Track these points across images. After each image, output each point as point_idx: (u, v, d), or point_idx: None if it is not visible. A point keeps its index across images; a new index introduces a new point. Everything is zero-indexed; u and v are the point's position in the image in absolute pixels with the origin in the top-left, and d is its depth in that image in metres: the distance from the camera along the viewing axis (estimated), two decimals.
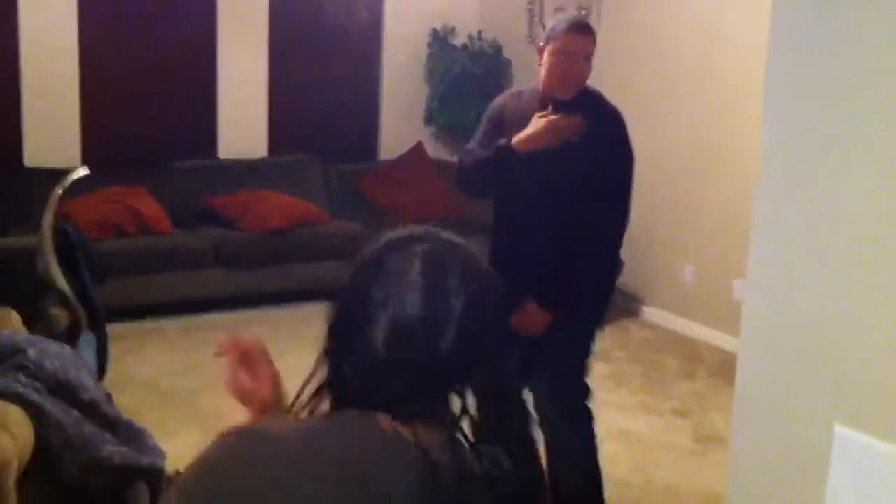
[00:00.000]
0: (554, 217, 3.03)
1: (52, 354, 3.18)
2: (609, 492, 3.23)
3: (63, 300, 3.71)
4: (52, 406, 3.01)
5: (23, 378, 3.05)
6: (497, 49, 7.04)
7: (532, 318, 2.99)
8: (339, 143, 6.86)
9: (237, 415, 1.48)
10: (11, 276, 3.80)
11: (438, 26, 7.03)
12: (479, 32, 7.05)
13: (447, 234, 1.38)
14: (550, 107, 3.00)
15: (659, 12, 5.83)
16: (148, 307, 5.31)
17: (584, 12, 6.02)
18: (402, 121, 7.11)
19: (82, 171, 3.85)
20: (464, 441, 1.31)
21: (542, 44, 3.05)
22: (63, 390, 3.10)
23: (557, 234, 3.02)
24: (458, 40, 7.07)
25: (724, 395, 4.76)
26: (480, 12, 7.15)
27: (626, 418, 4.39)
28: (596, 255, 3.04)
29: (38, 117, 5.86)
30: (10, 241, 4.06)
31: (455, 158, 7.16)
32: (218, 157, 6.45)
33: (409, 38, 7.05)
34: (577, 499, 3.19)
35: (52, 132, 5.91)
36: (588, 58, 3.02)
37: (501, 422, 2.39)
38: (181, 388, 4.37)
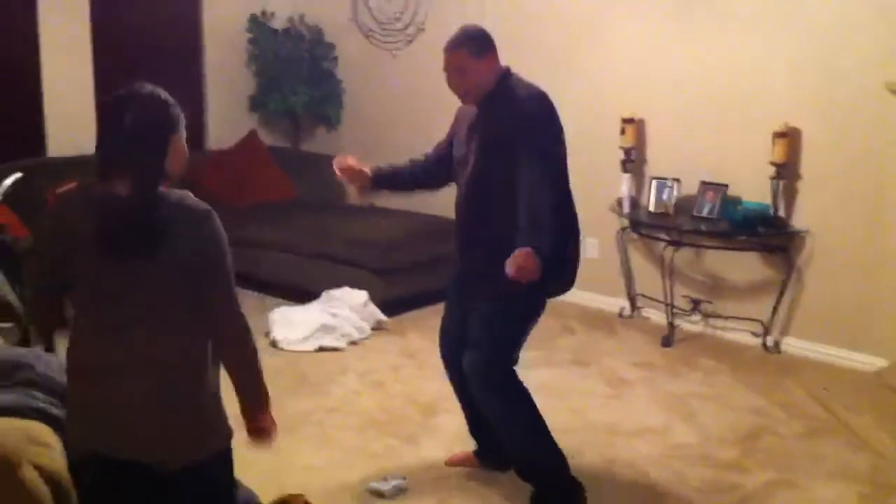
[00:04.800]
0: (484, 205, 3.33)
1: (55, 366, 3.04)
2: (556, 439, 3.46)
3: (9, 312, 3.50)
4: None
5: (38, 394, 2.92)
6: (318, 32, 7.11)
7: (522, 258, 3.07)
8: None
9: None
10: None
11: (257, 12, 7.00)
12: (302, 16, 7.08)
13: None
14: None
15: None
16: None
17: None
18: (227, 109, 7.04)
19: (16, 175, 3.60)
20: None
21: None
22: None
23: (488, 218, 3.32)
24: (278, 25, 7.08)
25: (605, 344, 5.27)
26: None
27: (537, 374, 4.73)
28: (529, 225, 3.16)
29: None
30: None
31: (285, 143, 7.24)
32: (48, 156, 6.11)
33: (228, 27, 6.97)
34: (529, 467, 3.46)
35: None
36: (460, 69, 3.30)
37: None
38: None
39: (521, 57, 6.02)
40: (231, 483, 2.57)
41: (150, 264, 2.24)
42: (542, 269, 3.10)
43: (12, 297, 3.45)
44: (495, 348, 3.36)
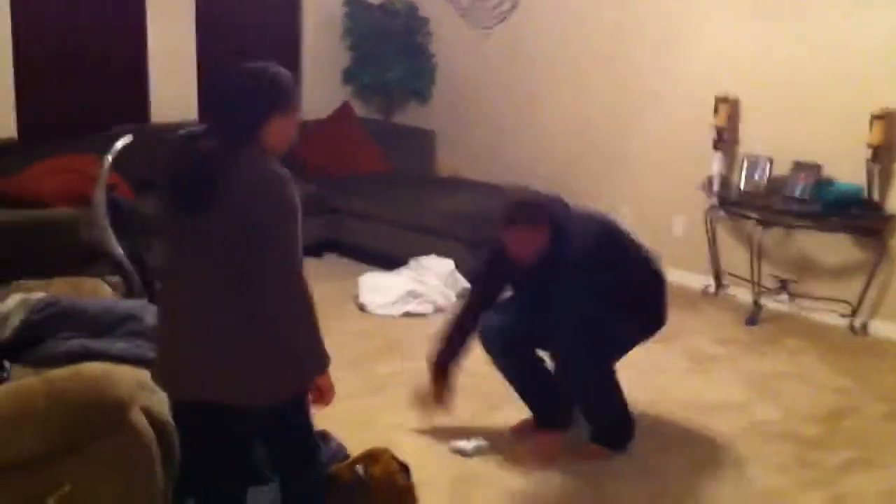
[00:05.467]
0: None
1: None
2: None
3: (118, 268, 3.70)
4: None
5: (144, 344, 3.10)
6: (412, 7, 7.21)
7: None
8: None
9: None
10: (55, 246, 3.74)
11: None
12: None
13: None
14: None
15: None
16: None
17: None
18: (321, 82, 7.20)
19: (128, 139, 3.80)
20: None
21: None
22: None
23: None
24: (374, 0, 7.20)
25: (689, 321, 5.28)
26: None
27: None
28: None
29: None
30: (55, 212, 3.95)
31: (378, 115, 7.37)
32: (151, 122, 6.35)
33: (326, 1, 7.12)
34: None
35: None
36: (527, 244, 3.46)
37: None
38: None
39: (622, 38, 6.10)
40: (306, 427, 2.64)
41: (218, 217, 2.32)
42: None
43: (119, 253, 3.64)
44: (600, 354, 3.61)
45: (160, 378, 2.53)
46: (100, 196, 3.64)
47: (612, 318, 3.52)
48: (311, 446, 2.71)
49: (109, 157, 3.71)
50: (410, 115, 7.42)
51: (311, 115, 7.05)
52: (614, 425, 3.74)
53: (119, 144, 3.76)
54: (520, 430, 3.87)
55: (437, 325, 4.98)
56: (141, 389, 2.68)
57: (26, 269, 3.60)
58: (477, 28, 6.98)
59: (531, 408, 3.86)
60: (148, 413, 2.67)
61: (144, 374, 2.82)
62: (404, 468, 3.18)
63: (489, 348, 3.81)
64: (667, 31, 5.85)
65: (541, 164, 6.48)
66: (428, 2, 7.19)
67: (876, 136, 4.91)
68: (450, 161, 7.18)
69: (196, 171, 2.34)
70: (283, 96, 2.41)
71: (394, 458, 3.19)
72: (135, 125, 6.06)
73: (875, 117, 4.90)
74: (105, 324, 3.14)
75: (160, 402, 2.74)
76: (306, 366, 2.46)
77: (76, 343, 3.02)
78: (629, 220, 5.11)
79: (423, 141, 7.10)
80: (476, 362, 4.52)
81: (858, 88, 5.06)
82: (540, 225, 3.46)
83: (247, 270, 2.34)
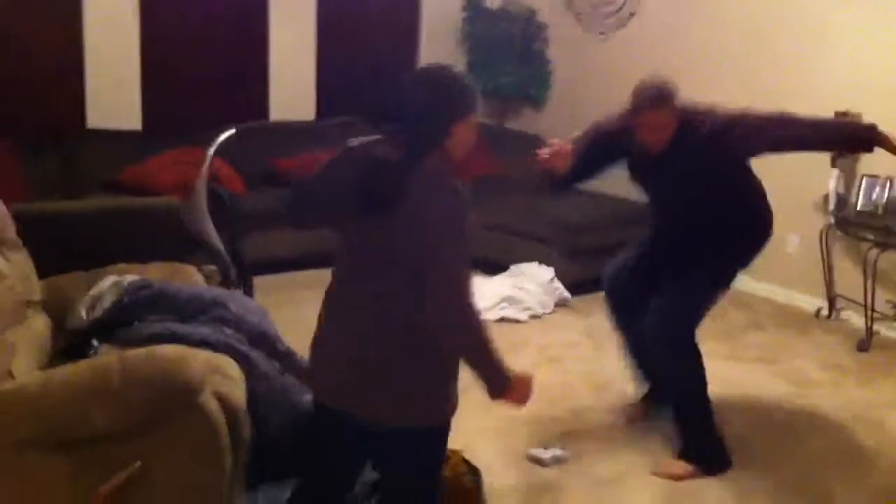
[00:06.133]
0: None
1: (250, 308, 3.31)
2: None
3: (216, 257, 3.80)
4: (258, 357, 3.14)
5: (227, 330, 3.18)
6: (531, 13, 7.19)
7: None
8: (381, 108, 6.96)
9: None
10: (157, 233, 3.88)
11: None
12: None
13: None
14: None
15: None
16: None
17: None
18: None
19: (230, 131, 3.92)
20: None
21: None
22: (263, 342, 3.22)
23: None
24: (493, 4, 7.21)
25: (796, 343, 5.08)
26: None
27: (717, 366, 4.65)
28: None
29: (100, 82, 5.87)
30: (159, 201, 4.12)
31: (493, 121, 7.37)
32: (270, 120, 6.54)
33: (445, 5, 7.16)
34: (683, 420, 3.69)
35: (114, 96, 5.92)
36: (662, 128, 3.54)
37: None
38: None
39: (744, 50, 5.93)
40: (437, 461, 2.52)
41: (392, 225, 2.24)
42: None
43: (217, 242, 3.75)
44: (688, 314, 3.62)
45: (312, 377, 2.50)
46: (201, 187, 3.76)
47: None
48: (432, 484, 2.50)
49: (211, 150, 3.82)
50: (524, 122, 7.40)
51: None
52: (704, 436, 3.64)
53: (222, 137, 3.87)
54: (632, 419, 3.98)
55: (531, 333, 4.98)
56: (215, 374, 2.73)
57: (130, 254, 3.74)
58: (594, 33, 6.90)
59: (643, 377, 3.99)
60: (221, 398, 2.73)
61: (222, 360, 2.89)
62: (474, 471, 3.16)
63: (607, 288, 3.97)
64: (791, 44, 5.65)
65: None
66: (546, 8, 7.16)
67: None
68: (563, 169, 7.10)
69: (384, 179, 2.25)
70: (469, 103, 2.33)
71: (464, 460, 3.17)
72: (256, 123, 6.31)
73: None
74: (193, 309, 3.22)
75: (235, 387, 2.80)
76: (489, 389, 2.37)
77: (162, 326, 3.11)
78: None
79: (534, 148, 7.04)
80: (566, 373, 4.48)
81: None
82: (675, 109, 3.52)
83: (413, 281, 2.24)
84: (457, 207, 2.25)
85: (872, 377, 4.67)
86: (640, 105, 3.53)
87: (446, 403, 2.39)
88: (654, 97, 3.52)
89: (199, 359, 2.74)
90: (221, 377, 2.79)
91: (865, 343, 5.03)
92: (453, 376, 2.39)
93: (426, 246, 2.23)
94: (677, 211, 3.73)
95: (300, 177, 2.67)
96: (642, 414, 3.99)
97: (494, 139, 7.04)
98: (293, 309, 4.82)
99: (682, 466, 3.57)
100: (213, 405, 2.67)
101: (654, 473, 3.56)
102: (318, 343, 2.45)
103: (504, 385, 2.37)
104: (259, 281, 4.88)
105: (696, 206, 3.64)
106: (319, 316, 2.44)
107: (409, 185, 2.22)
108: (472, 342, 2.31)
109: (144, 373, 2.58)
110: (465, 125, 2.31)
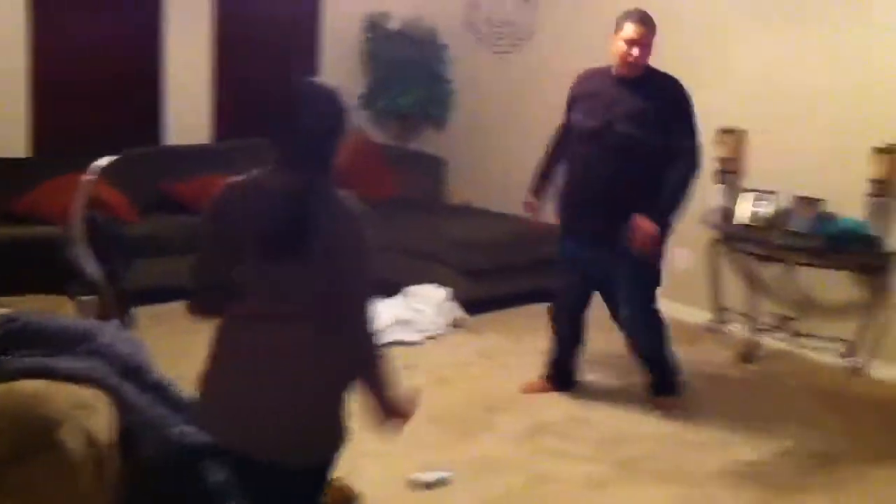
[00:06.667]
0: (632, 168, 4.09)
1: (122, 339, 3.26)
2: None
3: (93, 287, 3.75)
4: (129, 389, 3.10)
5: (96, 363, 3.13)
6: (432, 33, 7.24)
7: (642, 228, 4.02)
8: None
9: None
10: (35, 264, 3.81)
11: (376, 13, 7.18)
12: (418, 18, 7.22)
13: None
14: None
15: None
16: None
17: None
18: None
19: (109, 158, 3.86)
20: None
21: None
22: (134, 374, 3.17)
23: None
24: (394, 25, 7.24)
25: (687, 356, 5.18)
26: None
27: (603, 384, 4.73)
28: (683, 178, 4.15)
29: None
30: (35, 230, 4.04)
31: (393, 142, 7.39)
32: (164, 144, 6.45)
33: (345, 26, 7.18)
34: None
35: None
36: (648, 45, 4.01)
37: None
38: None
39: None
40: (322, 491, 2.48)
41: (302, 260, 2.17)
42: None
43: (94, 271, 3.69)
44: (650, 293, 4.30)
45: (207, 420, 2.41)
46: (77, 214, 3.70)
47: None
48: None
49: (90, 176, 3.76)
50: (427, 141, 7.44)
51: None
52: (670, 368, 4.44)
53: (103, 162, 3.81)
54: (532, 391, 4.51)
55: (423, 354, 4.99)
56: (78, 409, 2.70)
57: (14, 286, 3.66)
58: (494, 54, 6.98)
59: (558, 359, 4.49)
60: (86, 433, 2.69)
61: (87, 394, 2.85)
62: (355, 496, 3.16)
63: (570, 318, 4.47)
64: (684, 60, 5.77)
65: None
66: (448, 28, 7.22)
67: (879, 170, 4.81)
68: (463, 189, 7.17)
69: (290, 214, 2.15)
70: (347, 116, 2.29)
71: (345, 486, 3.17)
72: (147, 148, 6.23)
73: (877, 151, 4.80)
74: (61, 342, 3.17)
75: (98, 422, 2.76)
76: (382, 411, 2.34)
77: (30, 360, 3.05)
78: None
79: (433, 168, 7.11)
80: (455, 394, 4.51)
81: (863, 122, 4.96)
82: (654, 34, 4.06)
83: (325, 318, 2.20)
84: (364, 233, 2.24)
85: (755, 388, 4.79)
86: (627, 16, 4.01)
87: (344, 432, 2.35)
88: (642, 14, 4.03)
89: (62, 394, 2.70)
90: (87, 411, 2.75)
91: (750, 354, 5.17)
92: (345, 403, 2.36)
93: (336, 274, 2.18)
94: (609, 163, 4.06)
95: (195, 264, 2.46)
96: (542, 389, 4.52)
97: (395, 159, 7.08)
98: (186, 337, 4.77)
99: (668, 400, 4.39)
100: (74, 442, 2.62)
101: (654, 409, 4.35)
102: (211, 381, 2.35)
103: (395, 406, 2.35)
104: (151, 310, 4.85)
105: (633, 156, 4.03)
106: (213, 353, 2.34)
107: (319, 212, 2.17)
108: (376, 366, 2.29)
109: (3, 408, 2.53)
110: (344, 140, 2.29)
